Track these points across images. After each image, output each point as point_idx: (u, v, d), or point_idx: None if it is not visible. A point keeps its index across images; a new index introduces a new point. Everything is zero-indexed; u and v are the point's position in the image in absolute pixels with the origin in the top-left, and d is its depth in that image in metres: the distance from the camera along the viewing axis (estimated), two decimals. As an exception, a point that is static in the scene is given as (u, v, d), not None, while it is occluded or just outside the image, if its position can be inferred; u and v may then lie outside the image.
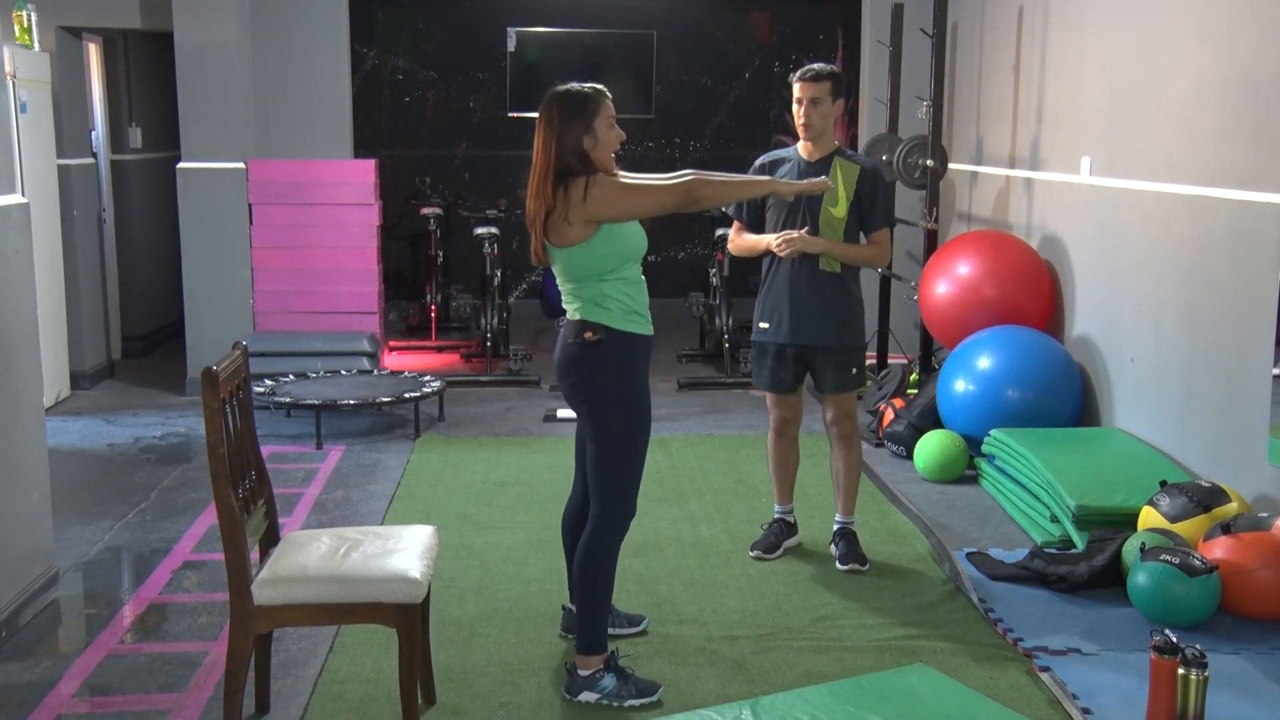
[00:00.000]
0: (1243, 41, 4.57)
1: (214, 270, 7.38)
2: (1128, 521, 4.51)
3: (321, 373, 7.05)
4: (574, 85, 3.47)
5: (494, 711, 3.43)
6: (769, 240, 4.43)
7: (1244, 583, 3.93)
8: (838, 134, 9.71)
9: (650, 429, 3.56)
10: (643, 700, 3.46)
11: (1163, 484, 4.47)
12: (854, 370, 4.53)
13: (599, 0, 10.25)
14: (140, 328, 8.76)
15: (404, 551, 3.24)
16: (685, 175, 3.51)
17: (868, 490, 5.41)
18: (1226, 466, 4.63)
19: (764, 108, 10.87)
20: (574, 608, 3.62)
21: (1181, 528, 4.22)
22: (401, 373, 7.18)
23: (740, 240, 4.60)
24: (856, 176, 4.43)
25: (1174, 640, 3.16)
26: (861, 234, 4.52)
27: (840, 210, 4.41)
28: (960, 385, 5.70)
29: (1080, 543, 4.54)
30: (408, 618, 3.13)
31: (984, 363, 5.66)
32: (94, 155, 8.19)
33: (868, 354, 7.56)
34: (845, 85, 4.74)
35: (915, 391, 6.45)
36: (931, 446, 5.62)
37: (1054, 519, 4.77)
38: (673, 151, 10.84)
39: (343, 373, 7.07)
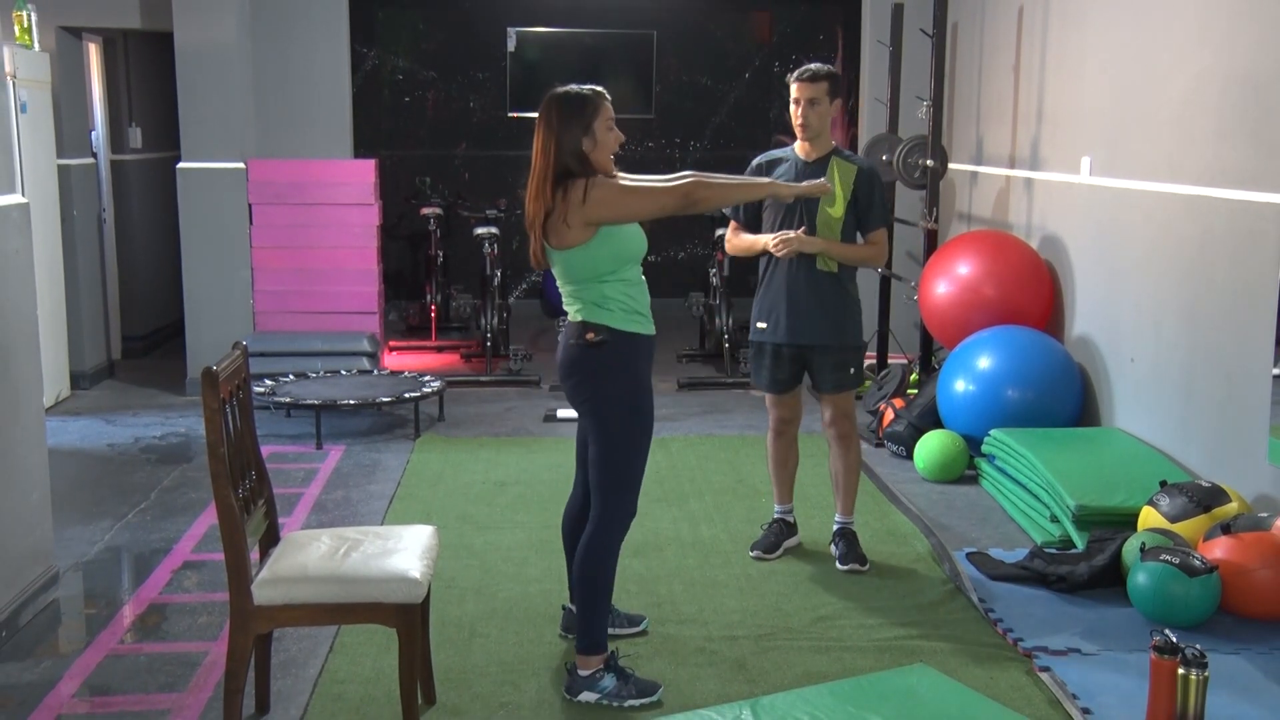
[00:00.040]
0: (1243, 41, 4.57)
1: (214, 270, 7.38)
2: (1128, 521, 4.51)
3: (321, 373, 7.06)
4: (573, 87, 3.47)
5: (494, 711, 3.43)
6: (766, 240, 4.43)
7: (1244, 583, 3.93)
8: (837, 134, 9.69)
9: (652, 429, 3.56)
10: (643, 700, 3.46)
11: (1163, 484, 4.47)
12: (852, 370, 4.53)
13: (599, 0, 10.25)
14: (140, 328, 8.76)
15: (404, 551, 3.24)
16: (684, 177, 3.51)
17: (868, 490, 5.41)
18: (1226, 466, 4.63)
19: (764, 108, 10.87)
20: (574, 608, 3.62)
21: (1181, 528, 4.22)
22: (401, 373, 7.18)
23: (737, 240, 4.60)
24: (854, 176, 4.43)
25: (1174, 640, 3.16)
26: (859, 234, 4.52)
27: (837, 210, 4.41)
28: (960, 385, 5.70)
29: (1080, 543, 4.54)
30: (408, 618, 3.13)
31: (984, 363, 5.66)
32: (94, 155, 8.20)
33: (867, 354, 7.58)
34: (843, 85, 4.75)
35: (915, 391, 6.45)
36: (931, 446, 5.62)
37: (1054, 519, 4.77)
38: (673, 151, 10.84)
39: (343, 373, 7.07)
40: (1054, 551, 4.47)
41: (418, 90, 10.70)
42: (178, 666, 3.72)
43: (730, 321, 7.94)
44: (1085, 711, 3.38)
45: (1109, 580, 4.21)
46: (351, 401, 6.38)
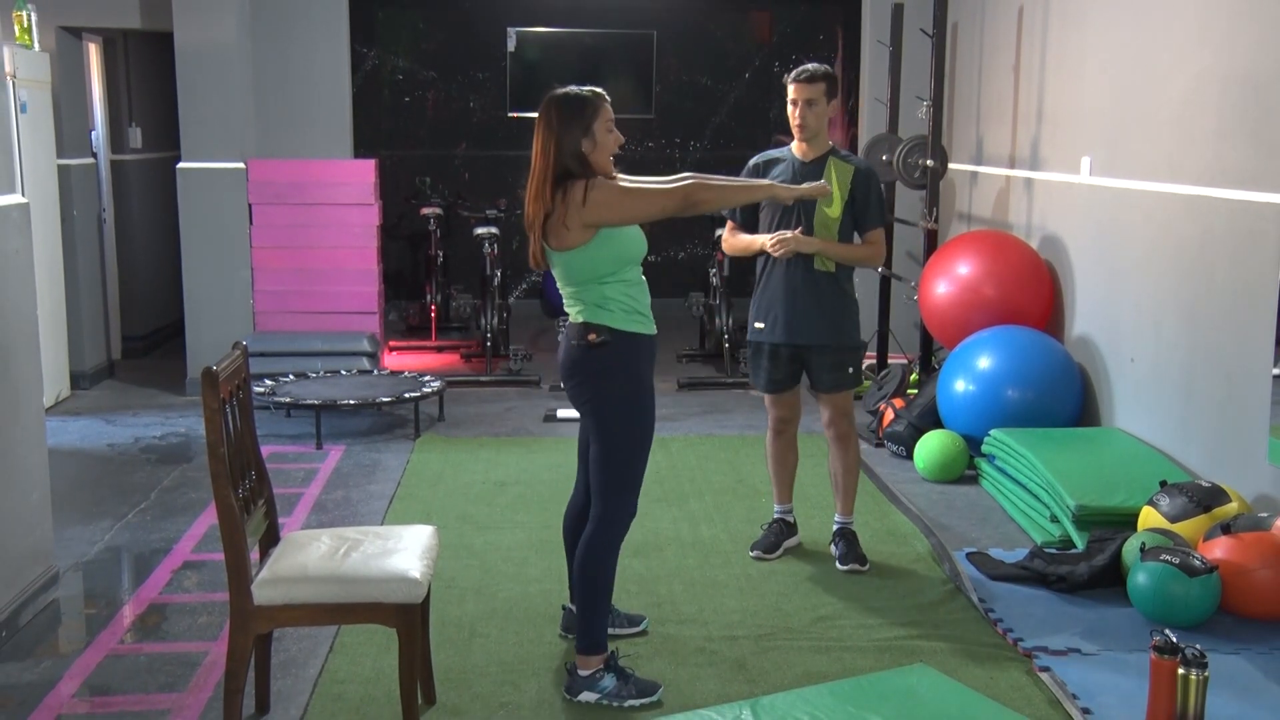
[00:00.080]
0: (1243, 41, 4.57)
1: (214, 270, 7.39)
2: (1128, 521, 4.51)
3: (321, 373, 7.06)
4: (573, 88, 3.47)
5: (494, 711, 3.43)
6: (763, 240, 4.43)
7: (1244, 583, 3.93)
8: (836, 134, 9.70)
9: (654, 430, 3.56)
10: (643, 700, 3.46)
11: (1163, 484, 4.47)
12: (850, 370, 4.53)
13: (599, 0, 10.25)
14: (140, 328, 8.76)
15: (404, 551, 3.24)
16: (684, 179, 3.51)
17: (868, 490, 5.41)
18: (1226, 466, 4.63)
19: (764, 108, 10.86)
20: (574, 608, 3.62)
21: (1181, 528, 4.22)
22: (401, 373, 7.18)
23: (734, 240, 4.60)
24: (851, 176, 4.43)
25: (1174, 640, 3.16)
26: (856, 234, 4.52)
27: (835, 210, 4.41)
28: (960, 385, 5.70)
29: (1080, 543, 4.54)
30: (408, 618, 3.13)
31: (984, 363, 5.66)
32: (94, 155, 8.20)
33: (867, 354, 7.58)
34: (840, 85, 4.74)
35: (915, 391, 6.45)
36: (931, 446, 5.62)
37: (1054, 519, 4.77)
38: (673, 152, 10.84)
39: (343, 373, 7.07)
40: (1054, 551, 4.47)
41: (418, 90, 10.70)
42: (178, 666, 3.72)
43: (730, 321, 7.94)
44: (1085, 711, 3.38)
45: (1109, 580, 4.21)
46: (351, 401, 6.38)
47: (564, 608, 3.97)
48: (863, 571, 4.49)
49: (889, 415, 6.24)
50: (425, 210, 9.22)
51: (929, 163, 6.75)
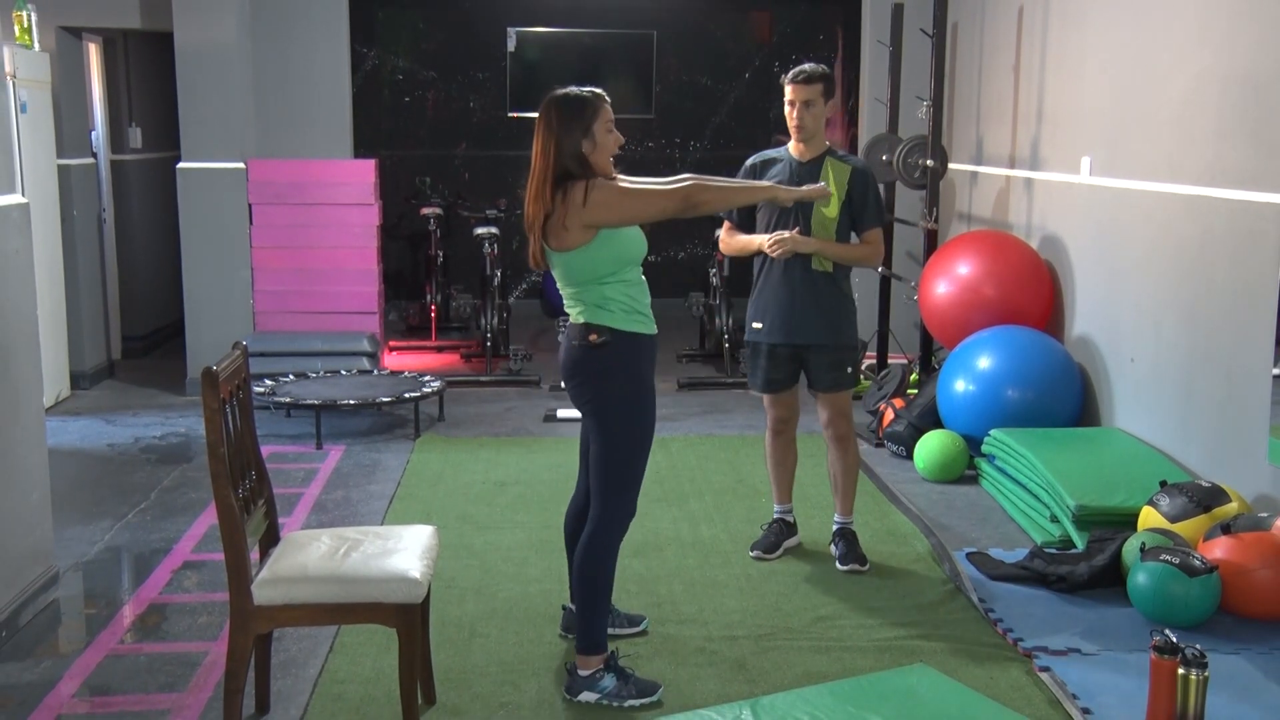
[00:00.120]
0: (1243, 41, 4.57)
1: (214, 270, 7.39)
2: (1128, 521, 4.51)
3: (321, 373, 7.06)
4: (572, 89, 3.47)
5: (494, 711, 3.43)
6: (761, 241, 4.43)
7: (1244, 583, 3.93)
8: (836, 134, 9.69)
9: (654, 430, 3.56)
10: (643, 700, 3.46)
11: (1163, 484, 4.47)
12: (848, 370, 4.53)
13: (599, 0, 10.25)
14: (140, 328, 8.76)
15: (404, 551, 3.24)
16: (684, 180, 3.51)
17: (868, 490, 5.41)
18: (1226, 466, 4.63)
19: (764, 108, 10.86)
20: (574, 608, 3.62)
21: (1181, 528, 4.22)
22: (401, 373, 7.18)
23: (732, 241, 4.60)
24: (848, 176, 4.43)
25: (1174, 640, 3.16)
26: (854, 234, 4.52)
27: (832, 210, 4.41)
28: (960, 385, 5.70)
29: (1080, 543, 4.54)
30: (408, 618, 3.13)
31: (984, 363, 5.66)
32: (94, 155, 8.20)
33: (867, 354, 7.59)
34: (839, 85, 4.75)
35: (915, 391, 6.45)
36: (931, 446, 5.62)
37: (1054, 519, 4.77)
38: (673, 152, 10.84)
39: (343, 373, 7.07)
40: (1054, 551, 4.47)
41: (418, 90, 10.70)
42: (178, 666, 3.72)
43: (730, 321, 7.94)
44: (1085, 711, 3.38)
45: (1109, 580, 4.21)
46: (351, 401, 6.38)
47: (564, 608, 3.97)
48: (863, 571, 4.49)
49: (889, 415, 6.24)
50: (425, 210, 9.22)
51: (929, 163, 6.75)
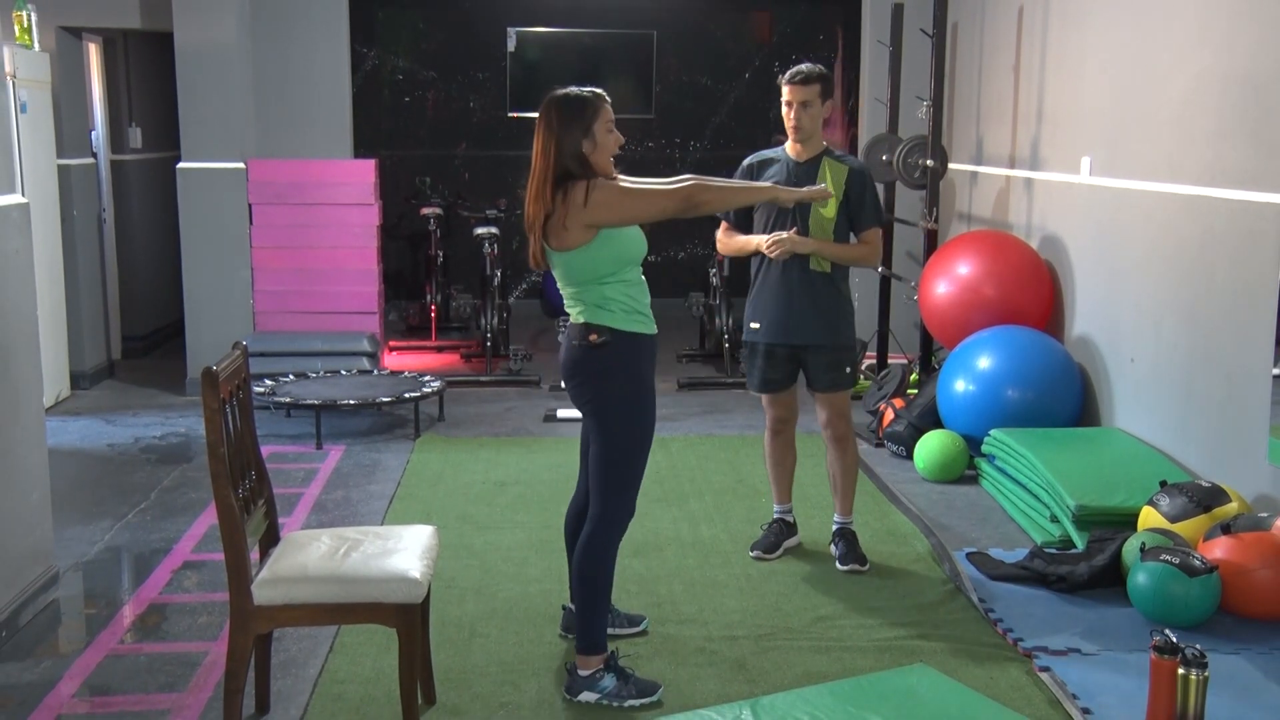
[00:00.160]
0: (1243, 41, 4.57)
1: (214, 270, 7.39)
2: (1128, 521, 4.51)
3: (321, 373, 7.06)
4: (573, 89, 3.47)
5: (494, 711, 3.43)
6: (759, 242, 4.43)
7: (1244, 583, 3.93)
8: (836, 134, 9.68)
9: (654, 430, 3.56)
10: (643, 700, 3.46)
11: (1163, 484, 4.47)
12: (847, 370, 4.53)
13: (599, 0, 10.25)
14: (140, 328, 8.76)
15: (404, 551, 3.24)
16: (685, 180, 3.51)
17: (868, 490, 5.41)
18: (1226, 466, 4.63)
19: (764, 108, 10.86)
20: (574, 607, 3.62)
21: (1181, 528, 4.22)
22: (401, 373, 7.18)
23: (729, 241, 4.60)
24: (845, 177, 4.43)
25: (1174, 640, 3.16)
26: (852, 234, 4.52)
27: (830, 211, 4.41)
28: (960, 385, 5.70)
29: (1080, 543, 4.54)
30: (408, 618, 3.13)
31: (984, 363, 5.66)
32: (94, 155, 8.20)
33: (867, 354, 7.59)
34: (839, 85, 4.75)
35: (915, 391, 6.45)
36: (931, 446, 5.62)
37: (1054, 519, 4.77)
38: (673, 152, 10.84)
39: (343, 373, 7.07)
40: (1054, 551, 4.47)
41: (418, 90, 10.70)
42: (178, 666, 3.72)
43: (730, 321, 7.94)
44: (1085, 711, 3.38)
45: (1109, 580, 4.21)
46: (351, 401, 6.38)
47: (564, 608, 3.97)
48: (863, 571, 4.49)
49: (889, 415, 6.24)
50: (425, 210, 9.22)
51: (929, 163, 6.75)
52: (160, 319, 9.01)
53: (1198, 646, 3.18)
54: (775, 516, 4.76)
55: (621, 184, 3.44)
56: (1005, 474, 5.22)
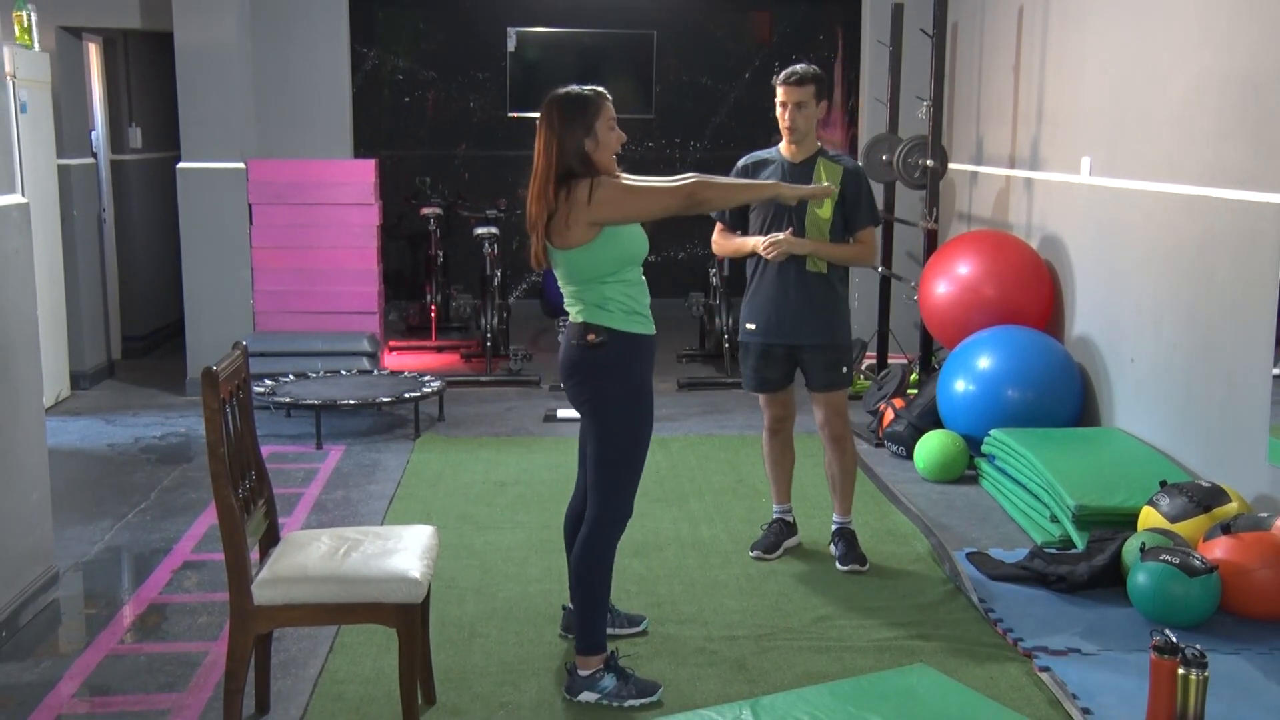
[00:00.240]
0: (1243, 41, 4.57)
1: (214, 270, 7.39)
2: (1128, 521, 4.51)
3: (321, 373, 7.06)
4: (574, 88, 3.47)
5: (494, 711, 3.43)
6: (755, 243, 4.43)
7: (1244, 583, 3.93)
8: (836, 134, 9.67)
9: (652, 430, 3.56)
10: (643, 700, 3.46)
11: (1163, 484, 4.47)
12: (843, 369, 4.53)
13: (599, 0, 10.25)
14: (140, 328, 8.76)
15: (404, 551, 3.24)
16: (688, 178, 3.51)
17: (868, 490, 5.41)
18: (1226, 466, 4.63)
19: (764, 108, 10.83)
20: (573, 607, 3.62)
21: (1181, 528, 4.22)
22: (401, 373, 7.18)
23: (725, 243, 4.60)
24: (840, 177, 4.42)
25: (1174, 640, 3.16)
26: (847, 234, 4.52)
27: (825, 211, 4.41)
28: (960, 385, 5.70)
29: (1080, 543, 4.54)
30: (408, 618, 3.13)
31: (984, 363, 5.66)
32: (94, 155, 8.20)
33: (867, 354, 7.59)
34: (837, 84, 4.75)
35: (915, 391, 6.45)
36: (931, 446, 5.62)
37: (1054, 519, 4.77)
38: (673, 151, 10.84)
39: (343, 373, 7.07)
40: (1054, 551, 4.47)
41: (418, 90, 10.70)
42: (178, 666, 3.72)
43: (730, 321, 7.94)
44: (1085, 711, 3.38)
45: (1109, 580, 4.21)
46: (351, 401, 6.38)
47: (564, 608, 3.97)
48: (863, 571, 4.49)
49: (889, 415, 6.24)
50: (425, 210, 9.22)
51: (929, 163, 6.75)
52: (160, 319, 9.01)
53: (1198, 646, 3.18)
54: (775, 516, 4.76)
55: (624, 181, 3.45)
56: (1005, 474, 5.22)
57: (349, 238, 7.60)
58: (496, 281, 8.23)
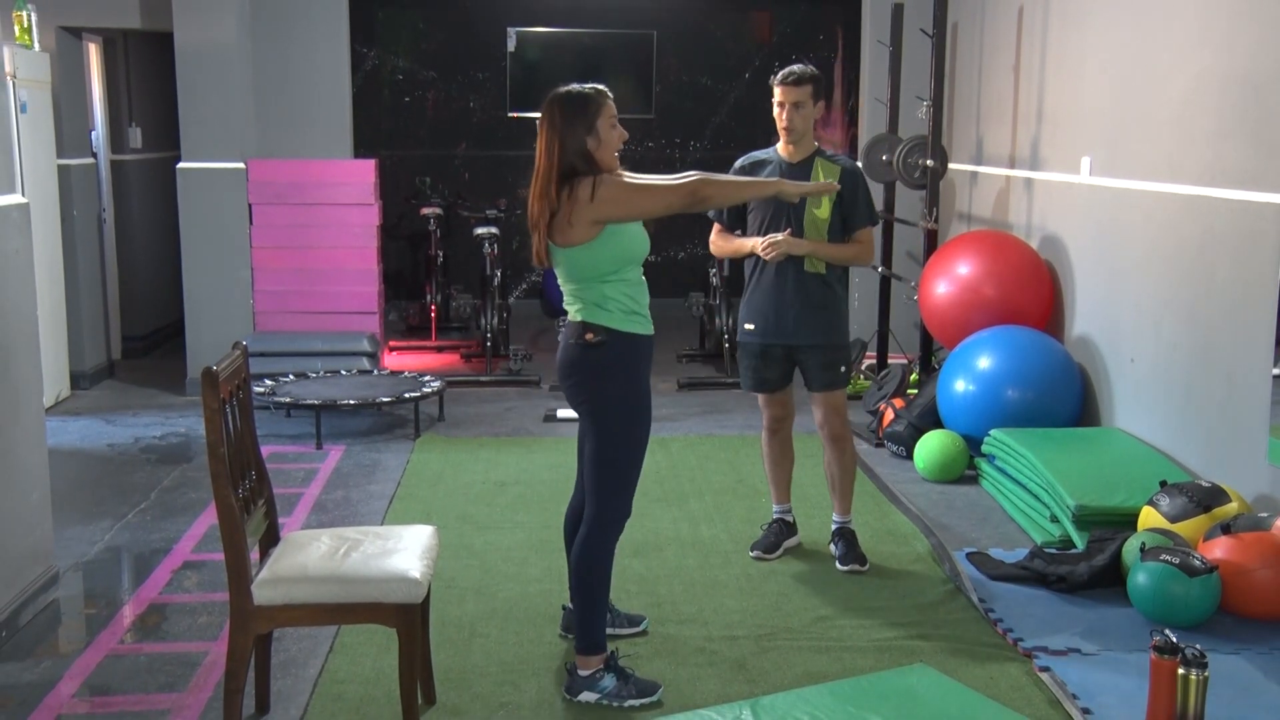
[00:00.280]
0: (1243, 41, 4.57)
1: (214, 270, 7.39)
2: (1128, 521, 4.51)
3: (321, 373, 7.06)
4: (575, 86, 3.47)
5: (494, 711, 3.43)
6: (753, 244, 4.43)
7: (1244, 583, 3.93)
8: (836, 134, 9.68)
9: (650, 430, 3.56)
10: (643, 700, 3.46)
11: (1163, 484, 4.47)
12: (842, 369, 4.53)
13: (599, 0, 10.25)
14: (140, 328, 8.76)
15: (404, 551, 3.24)
16: (690, 176, 3.51)
17: (868, 490, 5.41)
18: (1226, 466, 4.63)
19: (764, 108, 10.73)
20: (573, 608, 3.62)
21: (1181, 528, 4.22)
22: (401, 373, 7.18)
23: (724, 243, 4.59)
24: (838, 177, 4.42)
25: (1174, 640, 3.16)
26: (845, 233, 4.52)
27: (824, 211, 4.41)
28: (960, 385, 5.70)
29: (1080, 543, 4.54)
30: (408, 618, 3.13)
31: (984, 363, 5.66)
32: (94, 155, 8.20)
33: (867, 354, 7.58)
34: (825, 85, 4.75)
35: (915, 391, 6.45)
36: (931, 446, 5.62)
37: (1054, 519, 4.77)
38: (673, 151, 10.84)
39: (343, 373, 7.07)
40: (1054, 551, 4.47)
41: (418, 90, 10.70)
42: (178, 666, 3.72)
43: (730, 321, 7.94)
44: (1085, 711, 3.38)
45: (1109, 580, 4.21)
46: (351, 401, 6.38)
47: (564, 608, 3.96)
48: (863, 571, 4.49)
49: (889, 415, 6.23)
50: (425, 210, 9.22)
51: (929, 163, 6.75)
52: (160, 319, 9.01)
53: (1198, 646, 3.18)
54: (775, 516, 4.76)
55: (627, 179, 3.45)
56: (1005, 474, 5.22)
57: (349, 238, 7.60)
58: (496, 281, 8.23)
